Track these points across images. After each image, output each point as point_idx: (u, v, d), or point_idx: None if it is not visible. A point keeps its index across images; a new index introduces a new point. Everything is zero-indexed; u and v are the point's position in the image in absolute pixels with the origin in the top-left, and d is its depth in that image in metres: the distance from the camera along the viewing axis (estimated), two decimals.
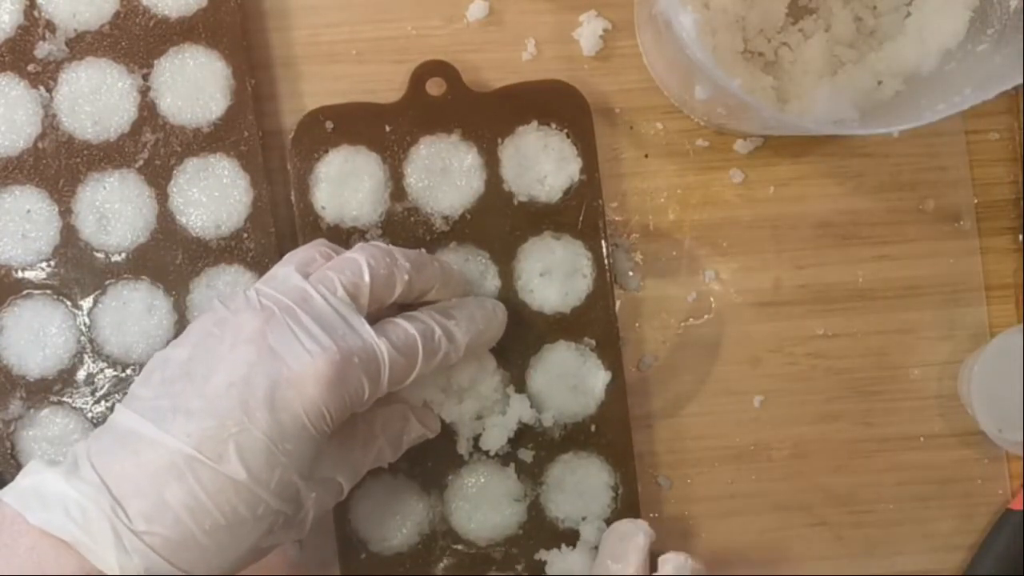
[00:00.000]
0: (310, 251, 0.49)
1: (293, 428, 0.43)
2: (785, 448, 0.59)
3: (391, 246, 0.50)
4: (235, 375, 0.43)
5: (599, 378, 0.56)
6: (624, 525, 0.53)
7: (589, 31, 0.58)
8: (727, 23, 0.56)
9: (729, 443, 0.59)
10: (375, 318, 0.47)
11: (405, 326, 0.47)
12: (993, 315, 0.60)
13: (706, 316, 0.59)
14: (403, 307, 0.50)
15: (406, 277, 0.48)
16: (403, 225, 0.56)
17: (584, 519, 0.56)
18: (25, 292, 0.55)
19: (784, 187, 0.59)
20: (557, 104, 0.57)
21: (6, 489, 0.44)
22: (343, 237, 0.55)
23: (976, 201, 0.60)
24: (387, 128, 0.56)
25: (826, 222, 0.59)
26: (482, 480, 0.56)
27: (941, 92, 0.50)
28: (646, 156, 0.59)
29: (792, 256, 0.59)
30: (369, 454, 0.50)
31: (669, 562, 0.51)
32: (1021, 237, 0.60)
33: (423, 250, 0.54)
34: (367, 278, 0.47)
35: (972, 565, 0.59)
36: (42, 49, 0.55)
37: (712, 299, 0.59)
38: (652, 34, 0.57)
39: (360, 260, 0.47)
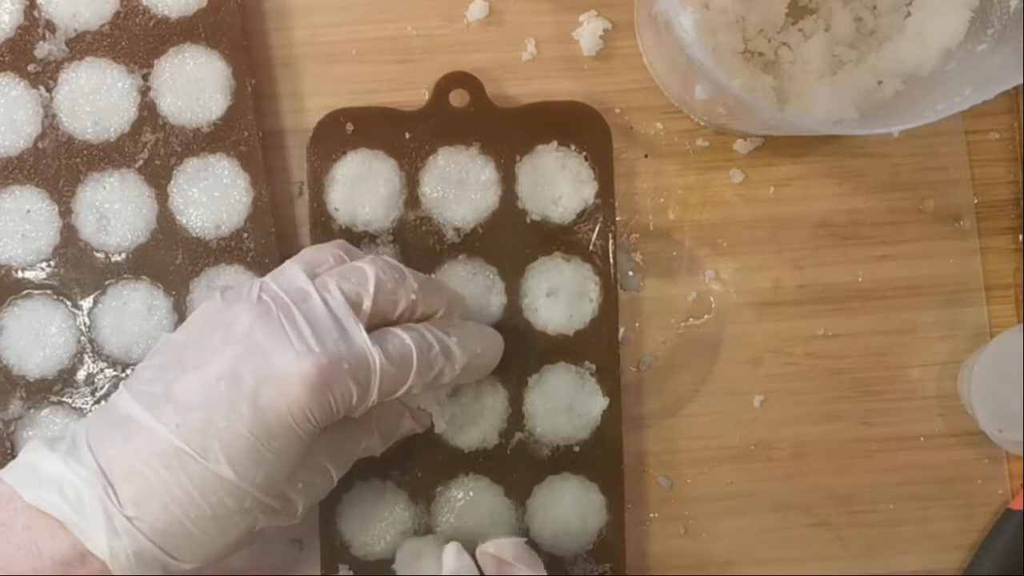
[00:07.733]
0: (324, 252, 0.49)
1: (278, 427, 0.43)
2: (785, 448, 0.59)
3: (404, 266, 0.49)
4: (223, 368, 0.44)
5: (596, 403, 0.55)
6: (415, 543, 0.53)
7: (589, 31, 0.58)
8: (727, 23, 0.56)
9: (729, 443, 0.59)
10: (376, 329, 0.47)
11: (402, 336, 0.47)
12: (993, 315, 0.60)
13: (706, 316, 0.59)
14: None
15: (412, 296, 0.48)
16: (414, 233, 0.56)
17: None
18: (25, 292, 0.55)
19: (784, 187, 0.59)
20: (578, 126, 0.56)
21: (6, 468, 0.45)
22: (354, 241, 0.55)
23: (976, 201, 0.60)
24: (407, 135, 0.56)
25: (826, 222, 0.59)
26: (471, 495, 0.55)
27: (941, 92, 0.50)
28: (646, 156, 0.59)
29: (792, 256, 0.59)
30: (360, 445, 0.50)
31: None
32: (1021, 237, 0.60)
33: (434, 276, 0.54)
34: (371, 288, 0.46)
35: (972, 565, 0.58)
36: (42, 49, 0.55)
37: (712, 299, 0.59)
38: (652, 34, 0.57)
39: (368, 271, 0.47)
